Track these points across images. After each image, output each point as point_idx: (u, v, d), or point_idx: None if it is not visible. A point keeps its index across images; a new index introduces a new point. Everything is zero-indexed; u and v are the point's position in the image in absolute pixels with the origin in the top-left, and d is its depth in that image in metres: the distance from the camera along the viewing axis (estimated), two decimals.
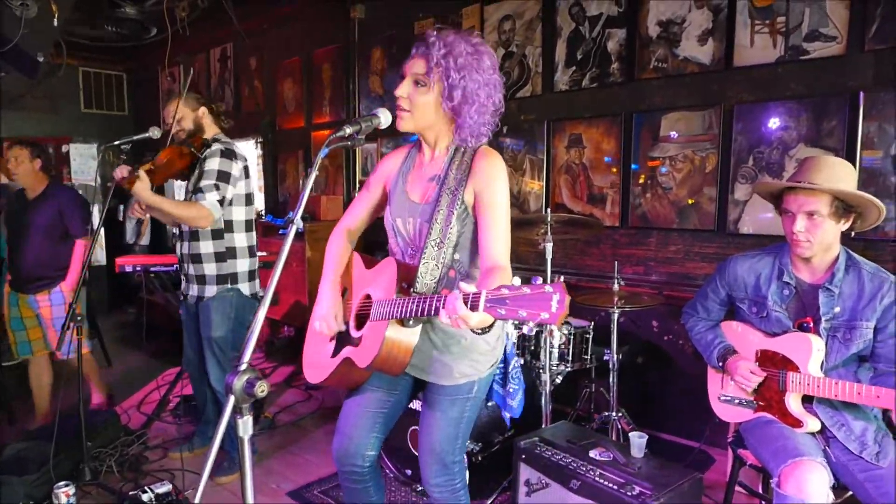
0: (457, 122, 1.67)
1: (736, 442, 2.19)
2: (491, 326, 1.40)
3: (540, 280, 1.22)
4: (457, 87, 1.61)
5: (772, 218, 3.02)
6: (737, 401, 2.13)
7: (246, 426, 1.23)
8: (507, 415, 2.17)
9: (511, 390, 1.94)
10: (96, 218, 2.77)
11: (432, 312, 1.44)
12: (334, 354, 1.80)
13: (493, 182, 1.65)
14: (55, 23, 3.28)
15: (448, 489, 1.85)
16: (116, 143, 2.92)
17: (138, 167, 2.70)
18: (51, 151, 6.79)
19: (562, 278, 1.14)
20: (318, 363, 1.86)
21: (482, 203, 1.65)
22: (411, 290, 1.64)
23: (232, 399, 1.19)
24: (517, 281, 1.31)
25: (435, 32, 1.64)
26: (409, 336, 1.62)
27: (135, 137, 2.93)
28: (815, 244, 1.91)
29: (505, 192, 1.67)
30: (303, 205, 1.43)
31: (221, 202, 2.80)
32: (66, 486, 2.51)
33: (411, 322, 1.59)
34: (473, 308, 1.27)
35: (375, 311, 1.65)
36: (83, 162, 6.96)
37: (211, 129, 3.02)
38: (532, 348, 3.00)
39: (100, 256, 6.55)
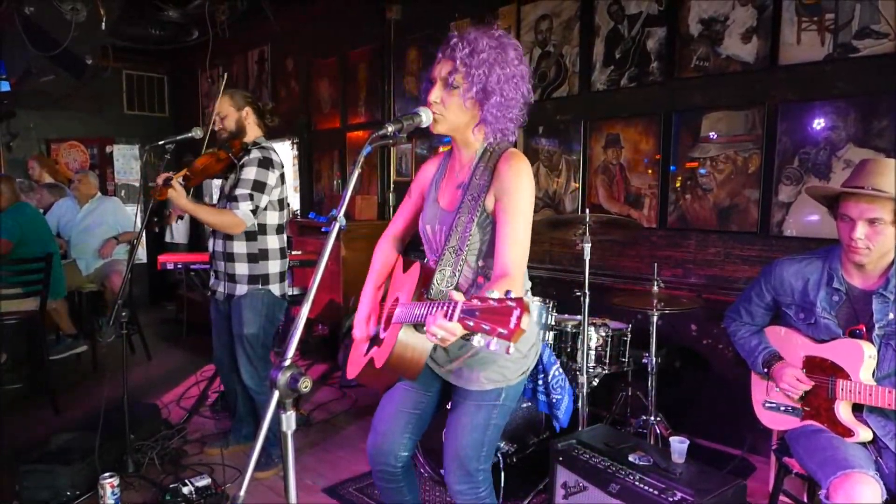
0: (481, 118, 1.65)
1: (781, 449, 2.12)
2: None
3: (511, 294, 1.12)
4: (481, 84, 1.59)
5: (818, 220, 2.95)
6: (783, 408, 2.07)
7: (289, 421, 1.24)
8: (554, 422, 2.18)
9: (555, 400, 1.90)
10: (139, 218, 2.84)
11: (419, 320, 1.42)
12: (366, 353, 1.83)
13: (514, 187, 1.60)
14: (103, 26, 3.39)
15: (471, 497, 1.80)
16: (160, 143, 2.97)
17: (173, 174, 2.78)
18: (95, 152, 7.01)
19: (529, 296, 1.08)
20: (355, 360, 1.89)
21: (501, 208, 1.61)
22: (426, 295, 1.63)
23: (276, 394, 1.21)
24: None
25: (456, 33, 1.64)
26: (424, 340, 1.56)
27: (178, 138, 2.98)
28: (874, 251, 1.84)
29: (528, 199, 1.61)
30: (346, 202, 1.43)
31: (255, 211, 2.84)
32: (111, 476, 2.58)
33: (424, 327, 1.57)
34: (450, 319, 1.21)
35: (396, 315, 1.66)
36: (125, 162, 7.15)
37: (253, 132, 3.02)
38: (569, 350, 2.97)
39: (141, 254, 6.73)
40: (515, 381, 1.77)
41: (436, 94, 1.64)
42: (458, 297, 1.21)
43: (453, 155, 1.81)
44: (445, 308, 1.23)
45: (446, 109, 1.65)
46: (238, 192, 2.82)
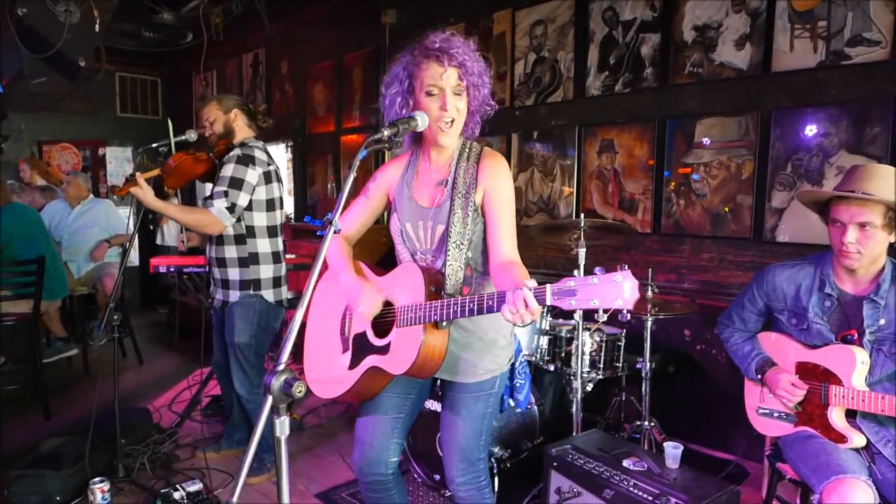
0: (467, 121, 1.73)
1: (774, 455, 2.13)
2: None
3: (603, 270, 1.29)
4: (476, 89, 1.69)
5: (810, 226, 2.96)
6: (776, 414, 2.08)
7: (283, 426, 1.23)
8: (511, 402, 2.26)
9: (518, 384, 1.97)
10: (131, 221, 2.81)
11: (484, 311, 1.46)
12: (353, 366, 1.78)
13: (500, 182, 1.72)
14: (96, 28, 3.37)
15: (474, 486, 1.86)
16: (154, 145, 2.96)
17: (136, 173, 2.67)
18: (88, 154, 6.97)
19: (626, 266, 1.18)
20: (331, 378, 1.83)
21: (492, 202, 1.70)
22: (442, 293, 1.66)
23: (270, 399, 1.20)
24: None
25: (437, 39, 1.65)
26: (443, 338, 1.64)
27: (173, 140, 2.97)
28: (864, 256, 1.85)
29: (511, 191, 1.74)
30: (341, 207, 1.43)
31: (231, 209, 2.75)
32: (102, 481, 2.56)
33: (444, 324, 1.61)
34: (542, 303, 1.33)
35: (404, 317, 1.64)
36: (118, 165, 7.12)
37: (242, 133, 2.98)
38: (563, 355, 2.97)
39: (133, 257, 6.69)
40: (506, 367, 1.86)
41: (454, 103, 1.66)
42: (532, 283, 1.34)
43: (422, 155, 1.83)
44: (531, 293, 1.32)
45: (460, 118, 1.68)
46: (214, 189, 2.76)
